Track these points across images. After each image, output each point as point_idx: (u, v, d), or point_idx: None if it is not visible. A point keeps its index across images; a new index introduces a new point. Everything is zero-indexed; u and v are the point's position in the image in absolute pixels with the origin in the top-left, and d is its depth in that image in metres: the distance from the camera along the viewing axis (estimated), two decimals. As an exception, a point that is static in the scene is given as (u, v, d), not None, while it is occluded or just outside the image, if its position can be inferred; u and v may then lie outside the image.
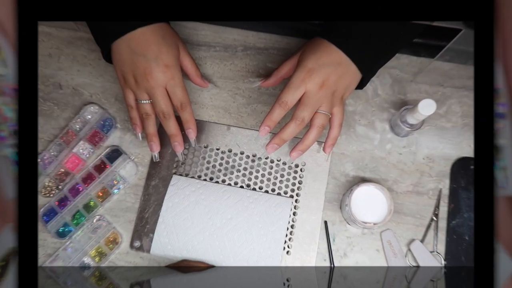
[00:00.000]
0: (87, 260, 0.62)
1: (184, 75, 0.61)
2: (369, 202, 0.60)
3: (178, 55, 0.58)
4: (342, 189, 0.64)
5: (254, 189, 0.64)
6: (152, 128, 0.59)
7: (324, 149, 0.59)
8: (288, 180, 0.64)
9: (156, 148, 0.60)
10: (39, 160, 0.64)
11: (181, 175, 0.64)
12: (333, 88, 0.55)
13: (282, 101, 0.54)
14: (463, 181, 0.64)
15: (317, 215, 0.63)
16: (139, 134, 0.61)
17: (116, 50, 0.56)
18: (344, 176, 0.65)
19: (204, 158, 0.65)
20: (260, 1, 0.48)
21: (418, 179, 0.64)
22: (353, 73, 0.56)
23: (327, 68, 0.54)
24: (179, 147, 0.60)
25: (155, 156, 0.62)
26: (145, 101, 0.57)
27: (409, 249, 0.62)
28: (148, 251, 0.61)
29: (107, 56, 0.59)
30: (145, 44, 0.55)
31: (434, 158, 0.65)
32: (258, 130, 0.65)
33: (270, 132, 0.56)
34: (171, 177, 0.64)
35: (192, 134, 0.60)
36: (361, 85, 0.60)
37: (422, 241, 0.62)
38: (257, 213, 0.61)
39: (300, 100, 0.55)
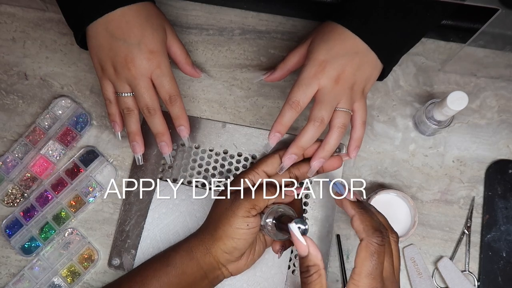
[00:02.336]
0: (57, 280, 0.62)
1: (172, 62, 0.60)
2: (390, 213, 0.59)
3: (165, 40, 0.58)
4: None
5: (254, 197, 0.63)
6: (134, 125, 0.59)
7: (348, 154, 0.58)
8: (293, 186, 0.63)
9: (140, 149, 0.60)
10: (0, 163, 0.64)
11: (167, 180, 0.64)
12: (351, 82, 0.55)
13: (293, 101, 0.54)
14: (500, 188, 0.64)
15: (328, 228, 0.62)
16: (119, 133, 0.61)
17: (92, 34, 0.56)
18: (360, 182, 0.64)
19: (195, 160, 0.65)
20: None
21: (447, 186, 0.64)
22: (373, 63, 0.56)
23: (342, 59, 0.54)
24: (166, 148, 0.59)
25: (138, 159, 0.61)
26: (126, 94, 0.57)
27: (437, 268, 0.62)
28: (130, 270, 0.61)
29: (82, 41, 0.59)
30: (126, 27, 0.55)
31: (466, 160, 0.65)
32: (258, 128, 0.65)
33: (288, 133, 0.56)
34: (156, 183, 0.63)
35: (184, 132, 0.59)
36: (381, 76, 0.59)
37: (451, 258, 0.62)
38: (257, 226, 0.60)
39: (314, 98, 0.55)
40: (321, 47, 0.55)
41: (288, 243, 0.54)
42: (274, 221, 0.51)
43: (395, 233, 0.48)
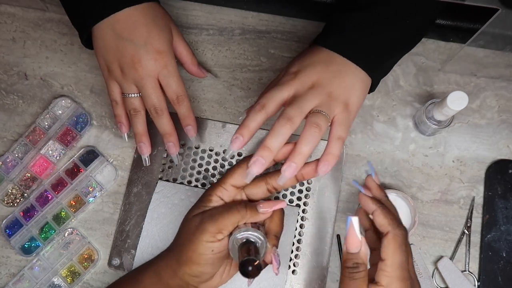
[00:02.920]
0: (57, 280, 0.62)
1: (178, 63, 0.61)
2: None
3: (171, 40, 0.58)
4: (358, 197, 0.64)
5: (254, 197, 0.63)
6: (141, 126, 0.59)
7: (316, 168, 0.50)
8: (294, 186, 0.63)
9: (147, 150, 0.60)
10: (0, 163, 0.64)
11: (167, 180, 0.64)
12: (328, 88, 0.51)
13: (258, 103, 0.50)
14: (500, 188, 0.64)
15: (329, 228, 0.62)
16: (125, 135, 0.61)
17: (98, 35, 0.56)
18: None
19: (195, 160, 0.65)
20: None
21: (447, 186, 0.64)
22: (354, 73, 0.53)
23: (316, 67, 0.52)
24: (174, 148, 0.59)
25: (145, 159, 0.61)
26: (133, 95, 0.57)
27: (437, 268, 0.62)
28: (130, 270, 0.61)
29: (87, 41, 0.58)
30: (133, 27, 0.55)
31: (466, 160, 0.65)
32: (259, 128, 0.64)
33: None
34: (156, 183, 0.64)
35: (192, 131, 0.59)
36: (371, 88, 0.57)
37: (451, 258, 0.62)
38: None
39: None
40: (295, 61, 0.54)
41: (264, 265, 0.50)
42: (238, 247, 0.48)
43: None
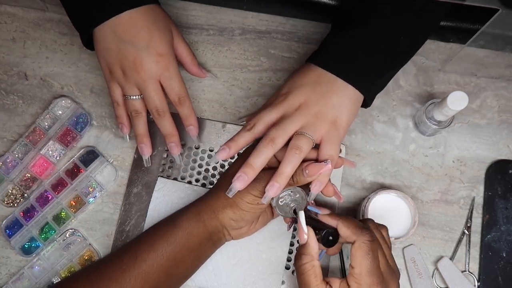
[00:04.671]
0: (57, 281, 0.62)
1: (178, 63, 0.61)
2: (390, 213, 0.60)
3: (172, 42, 0.58)
4: (358, 197, 0.64)
5: (254, 197, 0.63)
6: (142, 127, 0.59)
7: (310, 186, 0.52)
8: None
9: (148, 151, 0.60)
10: (0, 163, 0.64)
11: (167, 177, 0.64)
12: (314, 109, 0.52)
13: (249, 123, 0.53)
14: (500, 188, 0.64)
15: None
16: (127, 135, 0.61)
17: (100, 37, 0.56)
18: (360, 182, 0.65)
19: (195, 160, 0.65)
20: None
21: (447, 186, 0.64)
22: (343, 91, 0.53)
23: (304, 89, 0.54)
24: (176, 149, 0.60)
25: (146, 160, 0.61)
26: (134, 97, 0.57)
27: (437, 268, 0.62)
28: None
29: (88, 42, 0.59)
30: (134, 30, 0.55)
31: (466, 160, 0.65)
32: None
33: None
34: (156, 182, 0.64)
35: (194, 131, 0.60)
36: (364, 104, 0.57)
37: (451, 258, 0.62)
38: (257, 226, 0.61)
39: None
40: (286, 82, 0.56)
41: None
42: (293, 210, 0.51)
43: (382, 225, 0.51)
